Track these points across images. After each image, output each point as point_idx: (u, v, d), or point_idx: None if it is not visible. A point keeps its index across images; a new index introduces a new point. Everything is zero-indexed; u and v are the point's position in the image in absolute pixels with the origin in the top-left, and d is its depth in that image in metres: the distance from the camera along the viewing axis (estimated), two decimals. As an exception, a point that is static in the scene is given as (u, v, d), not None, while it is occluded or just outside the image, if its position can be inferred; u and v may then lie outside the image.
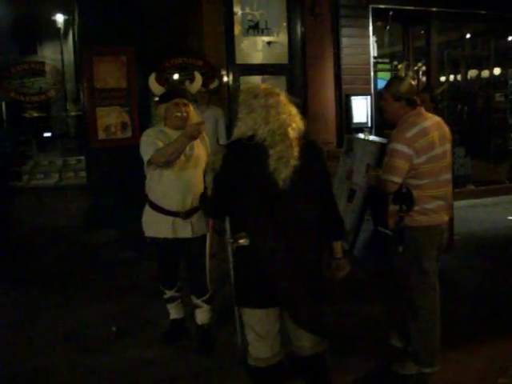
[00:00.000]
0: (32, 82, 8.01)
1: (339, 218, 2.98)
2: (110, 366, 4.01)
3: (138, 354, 4.16)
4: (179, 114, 3.83)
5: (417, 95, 3.57)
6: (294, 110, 2.80)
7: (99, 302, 5.26)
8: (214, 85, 7.75)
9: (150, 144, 3.77)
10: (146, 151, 3.77)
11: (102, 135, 7.68)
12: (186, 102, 3.86)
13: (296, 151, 2.66)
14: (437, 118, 3.60)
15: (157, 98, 4.14)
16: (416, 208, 3.41)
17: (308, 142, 2.79)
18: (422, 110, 3.56)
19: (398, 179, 3.37)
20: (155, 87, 4.02)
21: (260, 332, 2.81)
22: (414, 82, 3.62)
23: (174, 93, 3.89)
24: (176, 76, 8.47)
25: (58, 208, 7.88)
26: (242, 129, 2.75)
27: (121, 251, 6.92)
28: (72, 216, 7.82)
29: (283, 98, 2.81)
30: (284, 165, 2.62)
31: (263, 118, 2.69)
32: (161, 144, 3.73)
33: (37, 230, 7.66)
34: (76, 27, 7.96)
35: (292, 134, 2.69)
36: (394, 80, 3.67)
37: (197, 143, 3.91)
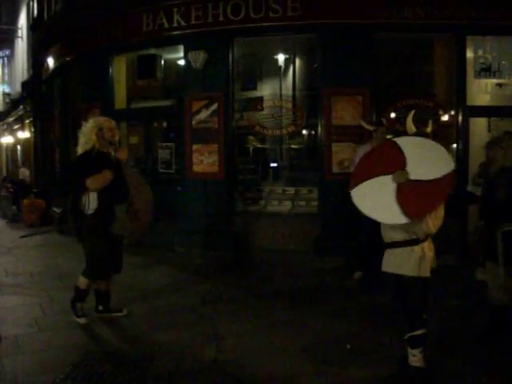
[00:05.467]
0: (275, 118, 8.85)
1: None
2: (349, 381, 4.33)
3: (372, 373, 4.39)
4: None
5: None
6: None
7: (332, 321, 5.68)
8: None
9: None
10: None
11: (335, 169, 8.30)
12: None
13: None
14: None
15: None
16: None
17: None
18: None
19: None
20: (410, 126, 4.38)
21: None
22: None
23: None
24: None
25: (290, 233, 8.58)
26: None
27: (346, 278, 7.36)
28: (302, 242, 8.47)
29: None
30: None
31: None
32: None
33: (270, 252, 8.46)
34: (318, 69, 8.67)
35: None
36: None
37: None
